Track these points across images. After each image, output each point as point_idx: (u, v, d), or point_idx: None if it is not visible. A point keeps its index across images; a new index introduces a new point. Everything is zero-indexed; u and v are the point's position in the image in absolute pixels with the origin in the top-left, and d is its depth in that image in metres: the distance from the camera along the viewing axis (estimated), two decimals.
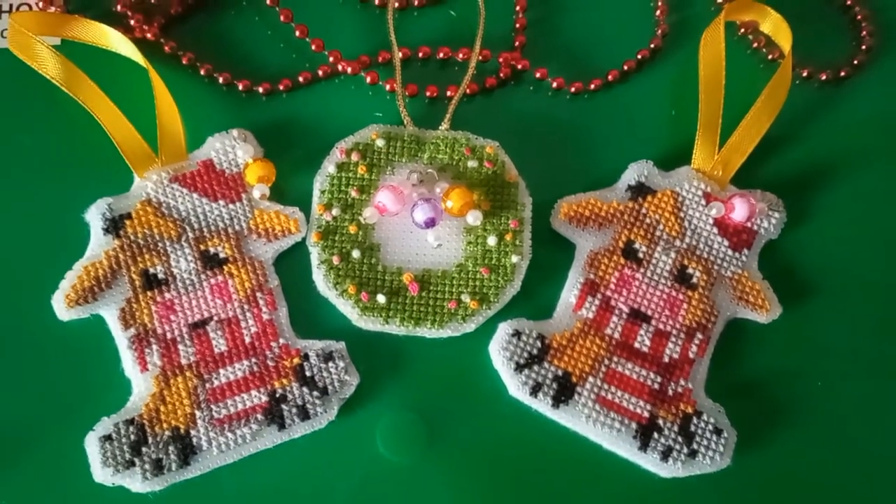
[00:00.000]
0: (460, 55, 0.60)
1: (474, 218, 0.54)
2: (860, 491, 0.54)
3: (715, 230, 0.56)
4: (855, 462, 0.54)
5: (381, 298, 0.53)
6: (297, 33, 0.59)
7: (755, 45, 0.63)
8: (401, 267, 0.54)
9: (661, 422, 0.52)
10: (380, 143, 0.56)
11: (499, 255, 0.54)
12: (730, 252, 0.56)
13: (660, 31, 0.62)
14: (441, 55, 0.60)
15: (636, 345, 0.54)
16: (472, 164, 0.56)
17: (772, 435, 0.54)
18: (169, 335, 0.52)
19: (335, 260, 0.54)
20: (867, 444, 0.55)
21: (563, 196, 0.56)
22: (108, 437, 0.49)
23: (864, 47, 0.63)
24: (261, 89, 0.58)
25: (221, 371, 0.52)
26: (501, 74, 0.60)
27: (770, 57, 0.62)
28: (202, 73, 0.59)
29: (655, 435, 0.52)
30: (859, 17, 0.64)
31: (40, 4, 0.59)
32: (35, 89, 0.56)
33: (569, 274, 0.55)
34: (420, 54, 0.60)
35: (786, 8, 0.60)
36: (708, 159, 0.57)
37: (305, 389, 0.51)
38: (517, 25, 0.62)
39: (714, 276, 0.55)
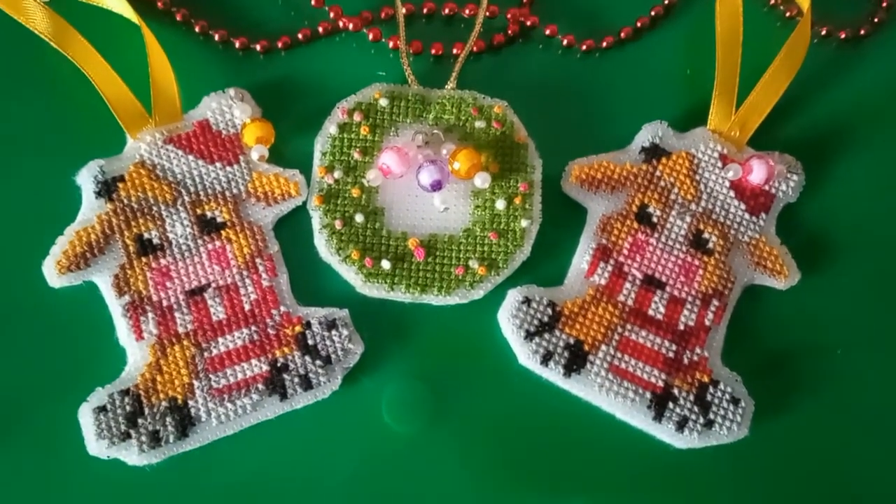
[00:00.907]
0: (467, 11, 0.58)
1: (482, 180, 0.52)
2: (879, 461, 0.53)
3: (731, 193, 0.54)
4: (874, 432, 0.53)
5: (385, 264, 0.52)
6: None
7: (772, 2, 0.61)
8: (406, 231, 0.53)
9: (676, 391, 0.51)
10: (383, 102, 0.54)
11: (508, 219, 0.53)
12: (747, 216, 0.54)
13: None
14: (447, 11, 0.58)
15: (650, 312, 0.52)
16: (479, 124, 0.54)
17: (790, 404, 0.53)
18: (165, 302, 0.50)
19: (338, 224, 0.52)
20: (886, 412, 0.54)
21: (574, 158, 0.55)
22: (102, 409, 0.48)
23: (884, 4, 0.61)
24: (258, 47, 0.57)
25: (220, 339, 0.50)
26: (510, 31, 0.58)
27: (787, 14, 0.60)
28: (197, 29, 0.57)
29: (670, 405, 0.51)
30: None
31: None
32: (23, 45, 0.54)
33: (580, 239, 0.54)
34: (424, 10, 0.58)
35: None
36: (724, 120, 0.56)
37: (308, 358, 0.50)
38: None
39: (731, 240, 0.54)
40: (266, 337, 0.50)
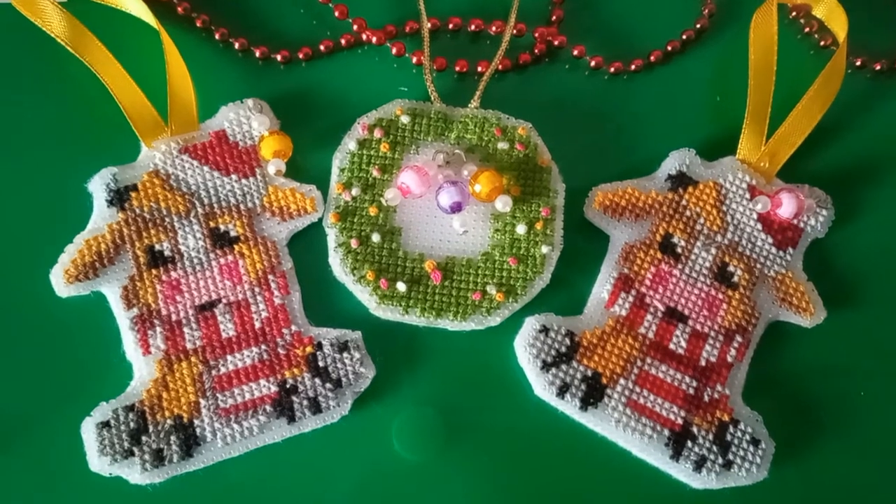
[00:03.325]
0: (493, 28, 0.58)
1: (503, 204, 0.51)
2: None
3: (759, 226, 0.53)
4: None
5: (400, 286, 0.51)
6: None
7: (806, 30, 0.60)
8: (423, 253, 0.52)
9: (695, 429, 0.50)
10: (404, 119, 0.53)
11: (528, 244, 0.52)
12: (774, 250, 0.53)
13: (706, 11, 0.59)
14: (473, 27, 0.58)
15: (671, 346, 0.51)
16: (502, 145, 0.53)
17: (812, 447, 0.52)
18: (174, 317, 0.50)
19: (353, 243, 0.51)
20: None
21: (598, 183, 0.54)
22: (106, 424, 0.47)
23: None
24: (279, 57, 0.56)
25: (229, 357, 0.49)
26: (536, 51, 0.57)
27: (822, 43, 0.59)
28: (217, 37, 0.56)
29: (689, 443, 0.50)
30: None
31: None
32: (39, 48, 0.54)
33: (602, 267, 0.53)
34: (450, 25, 0.58)
35: None
36: (754, 150, 0.54)
37: (318, 381, 0.49)
38: None
39: (756, 275, 0.53)
40: (276, 357, 0.49)
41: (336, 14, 0.56)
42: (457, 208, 0.50)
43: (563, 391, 0.50)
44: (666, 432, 0.50)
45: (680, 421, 0.50)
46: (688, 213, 0.53)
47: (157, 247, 0.50)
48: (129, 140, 0.52)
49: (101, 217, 0.50)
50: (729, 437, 0.50)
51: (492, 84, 0.55)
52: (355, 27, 0.56)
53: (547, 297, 0.52)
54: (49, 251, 0.49)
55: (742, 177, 0.54)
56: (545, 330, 0.50)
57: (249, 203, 0.52)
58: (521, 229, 0.52)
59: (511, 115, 0.54)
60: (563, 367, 0.50)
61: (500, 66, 0.56)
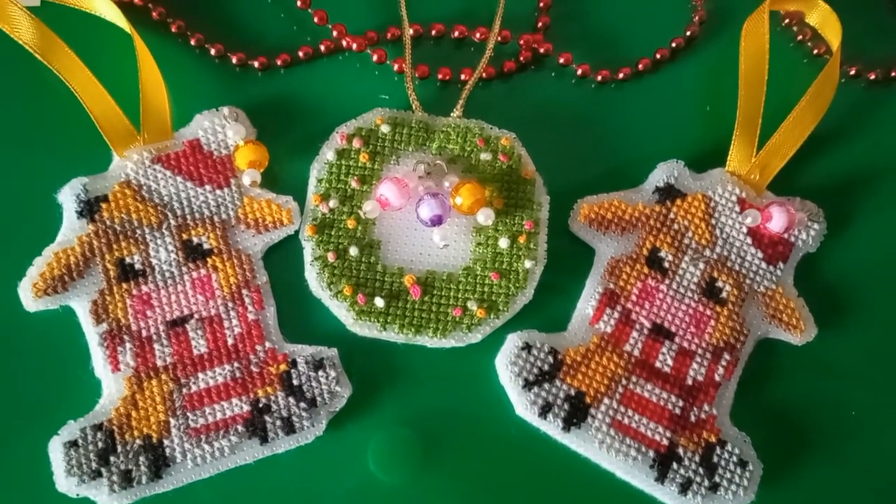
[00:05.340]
0: (477, 35, 0.56)
1: (485, 217, 0.50)
2: None
3: (748, 240, 0.52)
4: (890, 501, 0.51)
5: (379, 302, 0.50)
6: (299, 3, 0.55)
7: (799, 37, 0.59)
8: (402, 268, 0.51)
9: (681, 451, 0.49)
10: (385, 129, 0.52)
11: (510, 258, 0.51)
12: (763, 265, 0.52)
13: (696, 18, 0.58)
14: (456, 34, 0.57)
15: (657, 364, 0.50)
16: (485, 156, 0.52)
17: (801, 469, 0.51)
18: (144, 333, 0.49)
19: (330, 257, 0.50)
20: None
21: (583, 195, 0.53)
22: (73, 444, 0.47)
23: None
24: (256, 63, 0.55)
25: (200, 375, 0.48)
26: (521, 58, 0.56)
27: (815, 52, 0.58)
28: (192, 42, 0.55)
29: (674, 465, 0.49)
30: None
31: None
32: (6, 55, 0.53)
33: (586, 282, 0.52)
34: (433, 32, 0.57)
35: None
36: (745, 162, 0.54)
37: (292, 400, 0.48)
38: (541, 5, 0.58)
39: (745, 290, 0.52)
40: (249, 374, 0.48)
41: (315, 20, 0.55)
42: (437, 221, 0.49)
43: (545, 411, 0.48)
44: (651, 453, 0.49)
45: (665, 442, 0.49)
46: (675, 226, 0.52)
47: (128, 260, 0.49)
48: (100, 149, 0.51)
49: (71, 229, 0.49)
50: (716, 459, 0.49)
51: (475, 92, 0.54)
52: (335, 33, 0.55)
53: (530, 313, 0.51)
54: (17, 264, 0.48)
55: (731, 189, 0.53)
56: (527, 347, 0.49)
57: (223, 215, 0.51)
58: (503, 243, 0.51)
59: (495, 125, 0.53)
60: (546, 385, 0.49)
61: (483, 74, 0.55)
